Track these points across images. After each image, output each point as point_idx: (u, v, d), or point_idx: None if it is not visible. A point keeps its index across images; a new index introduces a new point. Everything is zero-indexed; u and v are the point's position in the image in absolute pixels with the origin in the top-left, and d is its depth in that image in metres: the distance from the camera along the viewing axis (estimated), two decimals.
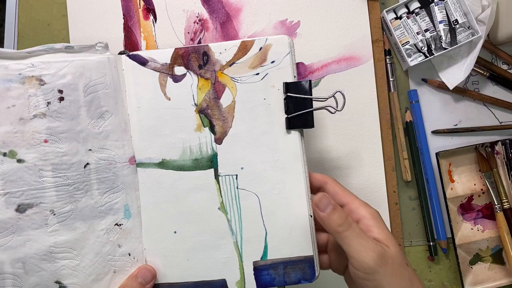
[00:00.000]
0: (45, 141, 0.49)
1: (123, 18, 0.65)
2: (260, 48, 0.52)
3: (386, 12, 0.65)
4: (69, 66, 0.50)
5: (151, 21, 0.65)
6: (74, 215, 0.50)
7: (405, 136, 0.66)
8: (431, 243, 0.65)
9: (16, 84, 0.49)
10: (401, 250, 0.46)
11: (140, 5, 0.65)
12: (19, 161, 0.48)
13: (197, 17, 0.65)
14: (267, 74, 0.52)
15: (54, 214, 0.49)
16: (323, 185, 0.51)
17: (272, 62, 0.52)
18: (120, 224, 0.52)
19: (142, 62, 0.53)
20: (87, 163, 0.50)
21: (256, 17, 0.65)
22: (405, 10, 0.65)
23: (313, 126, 0.51)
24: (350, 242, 0.44)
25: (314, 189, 0.52)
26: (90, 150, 0.51)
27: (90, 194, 0.50)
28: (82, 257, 0.50)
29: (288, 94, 0.51)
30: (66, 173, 0.49)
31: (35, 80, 0.49)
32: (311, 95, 0.51)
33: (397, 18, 0.65)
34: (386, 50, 0.66)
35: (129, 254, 0.52)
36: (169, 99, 0.53)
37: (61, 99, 0.50)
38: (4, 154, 0.48)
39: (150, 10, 0.65)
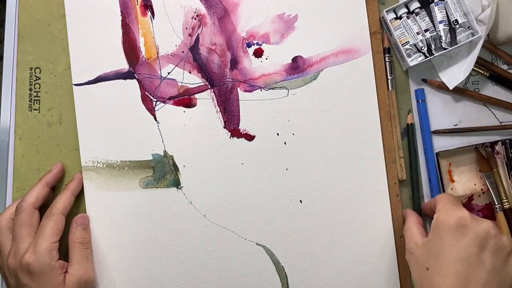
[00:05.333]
0: None
1: (121, 15, 0.65)
2: None
3: (386, 12, 0.65)
4: None
5: (149, 18, 0.65)
6: None
7: (404, 138, 0.66)
8: None
9: None
10: None
11: (137, 2, 0.65)
12: None
13: (195, 12, 0.65)
14: None
15: None
16: None
17: None
18: None
19: None
20: None
21: (254, 11, 0.65)
22: (405, 10, 0.65)
23: None
24: None
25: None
26: None
27: None
28: None
29: None
30: None
31: None
32: None
33: (397, 18, 0.65)
34: (386, 49, 0.66)
35: None
36: None
37: None
38: None
39: (147, 6, 0.65)
